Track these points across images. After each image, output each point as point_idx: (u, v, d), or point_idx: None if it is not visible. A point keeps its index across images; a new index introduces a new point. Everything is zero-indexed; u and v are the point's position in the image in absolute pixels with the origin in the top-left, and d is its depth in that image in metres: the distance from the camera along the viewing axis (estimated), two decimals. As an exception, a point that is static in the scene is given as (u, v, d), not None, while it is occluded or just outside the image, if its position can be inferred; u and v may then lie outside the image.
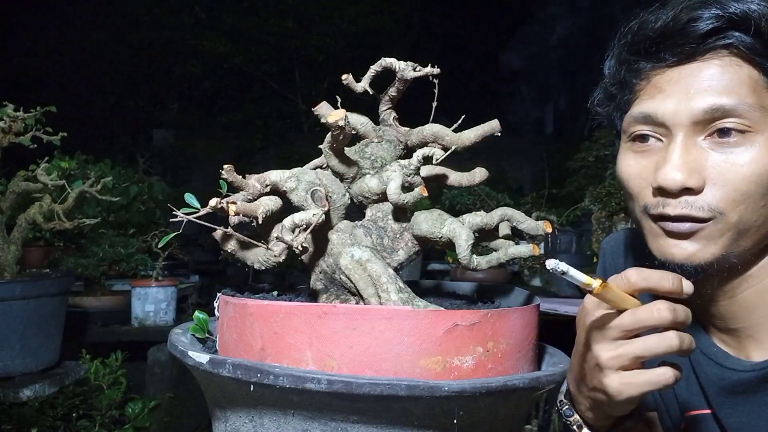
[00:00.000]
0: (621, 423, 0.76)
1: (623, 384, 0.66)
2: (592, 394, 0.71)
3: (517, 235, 0.76)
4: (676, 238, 0.76)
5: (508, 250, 0.71)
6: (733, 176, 0.72)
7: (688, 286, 0.66)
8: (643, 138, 0.78)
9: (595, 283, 0.60)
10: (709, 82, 0.73)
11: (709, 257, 0.74)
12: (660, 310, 0.63)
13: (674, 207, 0.74)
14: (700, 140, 0.74)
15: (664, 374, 0.65)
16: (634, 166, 0.79)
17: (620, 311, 0.65)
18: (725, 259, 0.75)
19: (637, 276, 0.65)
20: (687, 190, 0.73)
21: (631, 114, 0.79)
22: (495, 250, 0.72)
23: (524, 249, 0.70)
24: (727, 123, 0.72)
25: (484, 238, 0.75)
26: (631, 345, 0.65)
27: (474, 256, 0.68)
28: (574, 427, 0.77)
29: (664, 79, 0.76)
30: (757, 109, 0.71)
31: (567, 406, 0.78)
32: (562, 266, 0.58)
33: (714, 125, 0.73)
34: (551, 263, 0.58)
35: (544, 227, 0.72)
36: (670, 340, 0.64)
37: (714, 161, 0.73)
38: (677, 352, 0.64)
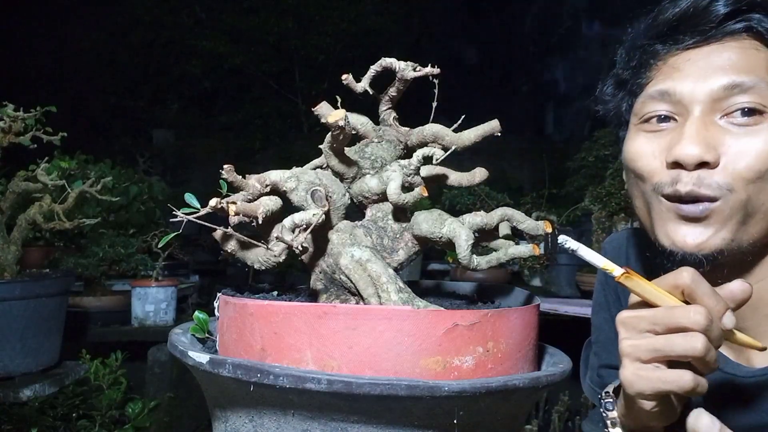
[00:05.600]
0: None
1: (635, 375, 0.63)
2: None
3: (517, 235, 0.76)
4: (689, 223, 0.74)
5: (508, 250, 0.71)
6: (748, 155, 0.71)
7: (728, 320, 0.62)
8: (656, 119, 0.78)
9: (617, 270, 0.59)
10: (728, 61, 0.73)
11: (720, 243, 0.73)
12: (697, 313, 0.59)
13: (686, 183, 0.73)
14: (717, 118, 0.74)
15: (681, 376, 0.61)
16: (645, 145, 0.78)
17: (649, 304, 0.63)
18: (736, 245, 0.74)
19: (690, 278, 0.61)
20: (703, 165, 0.72)
21: (646, 93, 0.79)
22: (495, 250, 0.72)
23: (524, 249, 0.70)
24: (745, 101, 0.72)
25: (484, 238, 0.75)
26: (653, 338, 0.62)
27: (474, 256, 0.68)
28: (608, 421, 0.74)
29: (682, 59, 0.76)
30: None
31: (611, 400, 0.75)
32: (571, 243, 0.55)
33: (731, 103, 0.73)
34: (562, 238, 0.56)
35: (544, 227, 0.72)
36: (694, 342, 0.59)
37: (730, 139, 0.72)
38: (699, 361, 0.60)
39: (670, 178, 0.75)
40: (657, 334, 0.62)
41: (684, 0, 0.77)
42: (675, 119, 0.77)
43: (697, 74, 0.74)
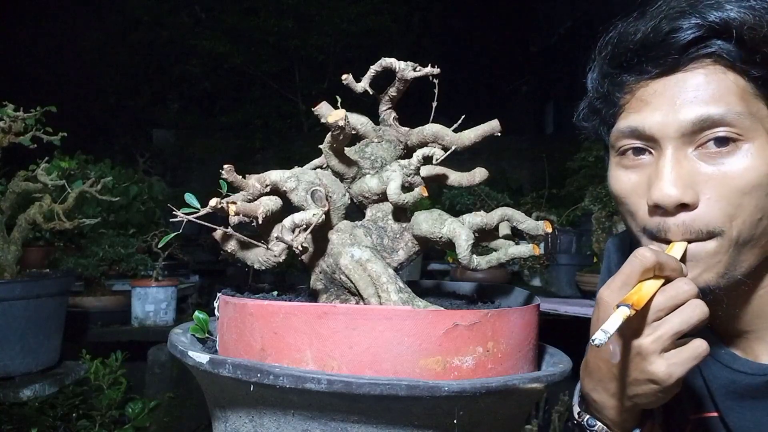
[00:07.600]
0: (642, 423, 0.75)
1: (671, 365, 0.65)
2: (633, 389, 0.69)
3: (517, 235, 0.76)
4: None
5: (508, 250, 0.71)
6: (727, 189, 0.70)
7: (686, 268, 0.69)
8: (632, 152, 0.77)
9: (629, 311, 0.61)
10: (695, 92, 0.71)
11: (713, 278, 0.73)
12: (686, 282, 0.66)
13: (675, 234, 0.72)
14: (690, 152, 0.72)
15: (700, 345, 0.66)
16: (626, 183, 0.78)
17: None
18: (730, 276, 0.73)
19: (651, 253, 0.66)
20: (683, 206, 0.71)
21: (617, 128, 0.77)
22: (495, 250, 0.72)
23: (524, 249, 0.70)
24: (718, 132, 0.70)
25: (484, 238, 0.75)
26: (668, 323, 0.65)
27: (474, 256, 0.68)
28: None
29: (649, 92, 0.74)
30: (746, 116, 0.70)
31: (588, 417, 0.77)
32: (604, 338, 0.60)
33: (703, 136, 0.71)
34: (597, 341, 0.59)
35: (544, 227, 0.72)
36: (701, 306, 0.65)
37: (707, 173, 0.71)
38: (706, 320, 0.65)
39: (656, 225, 0.74)
40: (660, 320, 0.66)
41: (643, 28, 0.74)
42: (650, 152, 0.75)
43: (665, 108, 0.72)
